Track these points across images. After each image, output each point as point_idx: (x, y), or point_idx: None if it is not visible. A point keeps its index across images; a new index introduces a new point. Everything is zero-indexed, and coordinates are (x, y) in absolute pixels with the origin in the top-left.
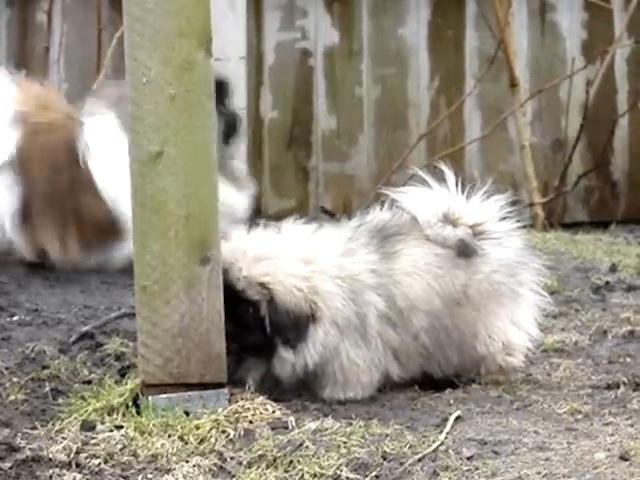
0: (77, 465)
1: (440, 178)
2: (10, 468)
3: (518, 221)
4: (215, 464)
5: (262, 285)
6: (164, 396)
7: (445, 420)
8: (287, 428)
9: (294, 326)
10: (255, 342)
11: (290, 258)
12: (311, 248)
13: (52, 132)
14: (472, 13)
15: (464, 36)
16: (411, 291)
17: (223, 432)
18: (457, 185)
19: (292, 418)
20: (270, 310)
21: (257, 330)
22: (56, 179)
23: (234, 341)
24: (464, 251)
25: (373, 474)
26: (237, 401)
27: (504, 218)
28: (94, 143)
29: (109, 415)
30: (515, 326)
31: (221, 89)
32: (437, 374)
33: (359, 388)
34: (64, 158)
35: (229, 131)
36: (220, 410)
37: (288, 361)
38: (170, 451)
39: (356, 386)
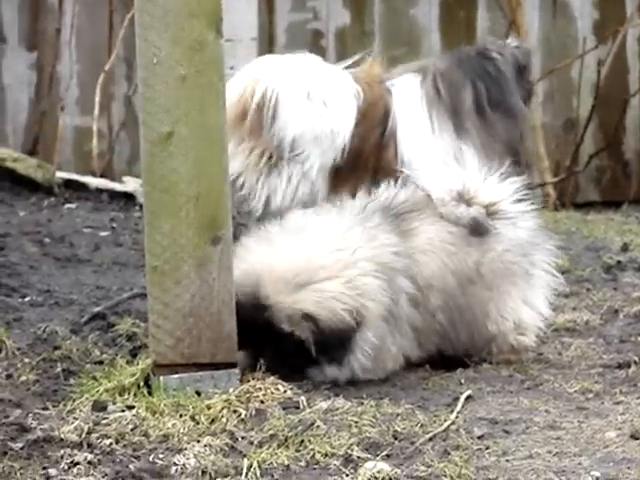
0: (88, 445)
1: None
2: (22, 448)
3: (532, 202)
4: (226, 444)
5: (306, 316)
6: (175, 376)
7: (456, 399)
8: (298, 408)
9: (339, 344)
10: (299, 366)
11: (327, 271)
12: (337, 244)
13: (374, 107)
14: None
15: (476, 16)
16: (427, 270)
17: (234, 412)
18: (474, 164)
19: (303, 398)
20: (315, 338)
21: (301, 357)
22: (367, 140)
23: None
24: (477, 230)
25: (384, 453)
26: (248, 381)
27: (519, 199)
28: (399, 106)
29: (120, 395)
30: (527, 306)
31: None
32: (449, 352)
33: (381, 373)
34: (377, 123)
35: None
36: (231, 390)
37: (334, 376)
38: (181, 431)
39: (378, 372)
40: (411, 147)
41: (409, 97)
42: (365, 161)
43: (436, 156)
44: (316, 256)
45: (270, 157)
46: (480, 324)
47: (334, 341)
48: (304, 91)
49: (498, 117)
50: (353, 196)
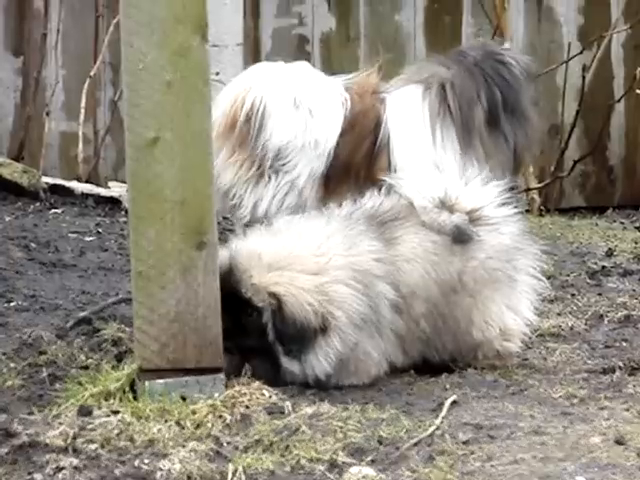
0: (74, 450)
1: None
2: (7, 454)
3: (515, 207)
4: (212, 449)
5: (272, 294)
6: (161, 381)
7: (441, 405)
8: (283, 413)
9: (299, 338)
10: (255, 346)
11: (302, 266)
12: (320, 248)
13: (364, 117)
14: None
15: (461, 22)
16: (411, 278)
17: (220, 417)
18: (455, 170)
19: (288, 403)
20: (275, 319)
21: (258, 335)
22: (357, 149)
23: (234, 342)
24: (460, 238)
25: (369, 458)
26: (234, 386)
27: (502, 204)
28: (393, 116)
29: (106, 400)
30: (512, 311)
31: None
32: (434, 359)
33: (365, 378)
34: (368, 133)
35: None
36: (217, 395)
37: (292, 371)
38: (167, 436)
39: (363, 377)
40: (405, 158)
41: (407, 108)
42: (356, 171)
43: (431, 168)
44: (295, 255)
45: (258, 167)
46: (464, 332)
47: (292, 331)
48: (291, 100)
49: (511, 124)
50: (341, 205)
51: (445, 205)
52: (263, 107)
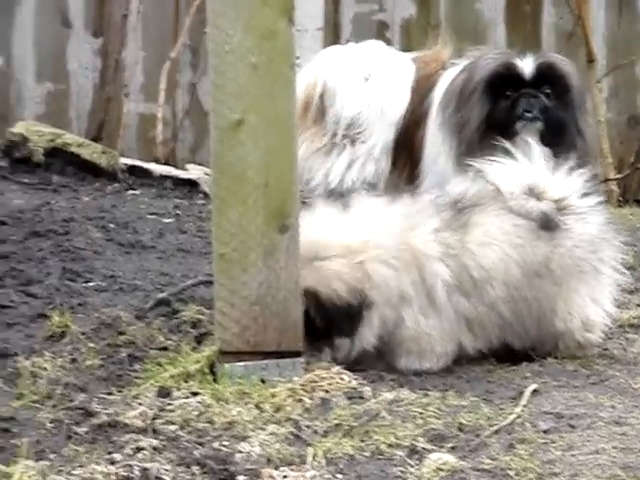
0: (153, 431)
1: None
2: (86, 433)
3: (599, 196)
4: (291, 432)
5: (307, 292)
6: (240, 364)
7: (521, 393)
8: (363, 398)
9: (346, 319)
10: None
11: (340, 250)
12: (369, 228)
13: (425, 83)
14: None
15: (541, 11)
16: (486, 261)
17: (299, 401)
18: (543, 159)
19: (368, 388)
20: (319, 312)
21: (311, 328)
22: (413, 116)
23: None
24: (547, 225)
25: (449, 445)
26: (313, 370)
27: (586, 193)
28: (441, 86)
29: (185, 382)
30: (594, 304)
31: None
32: (516, 345)
33: (434, 358)
34: (424, 100)
35: None
36: (296, 379)
37: (344, 348)
38: (246, 419)
39: (431, 356)
40: (431, 131)
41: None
42: (411, 136)
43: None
44: (337, 235)
45: (332, 137)
46: (547, 320)
47: (337, 316)
48: (360, 74)
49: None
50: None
51: (533, 193)
52: (334, 84)
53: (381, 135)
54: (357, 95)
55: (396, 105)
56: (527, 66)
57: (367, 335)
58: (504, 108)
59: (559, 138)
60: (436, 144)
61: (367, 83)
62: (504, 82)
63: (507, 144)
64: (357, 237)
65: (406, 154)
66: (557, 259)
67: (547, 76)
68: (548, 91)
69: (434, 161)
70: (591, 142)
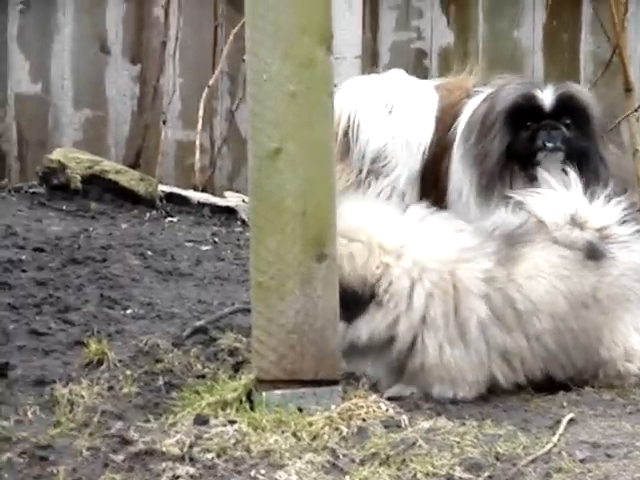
0: (190, 459)
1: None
2: (123, 461)
3: (638, 224)
4: (328, 461)
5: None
6: (278, 392)
7: (558, 422)
8: (400, 427)
9: (350, 303)
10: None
11: (369, 240)
12: (416, 241)
13: (450, 111)
14: (588, 17)
15: (579, 39)
16: (533, 294)
17: (336, 429)
18: (580, 188)
19: (405, 417)
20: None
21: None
22: (440, 144)
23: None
24: (593, 254)
25: (486, 474)
26: (350, 398)
27: (625, 221)
28: (466, 114)
29: (222, 410)
30: (637, 333)
31: None
32: (559, 377)
33: (466, 387)
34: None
35: None
36: (333, 407)
37: (340, 331)
38: (283, 447)
39: (463, 384)
40: (455, 162)
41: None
42: (437, 167)
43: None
44: (378, 229)
45: (358, 174)
46: (593, 349)
47: (348, 297)
48: (383, 105)
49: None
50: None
51: (576, 222)
52: (358, 118)
53: (406, 166)
54: (381, 128)
55: (421, 135)
56: (547, 97)
57: (361, 330)
58: (525, 139)
59: (581, 168)
60: (459, 175)
61: (390, 115)
62: (524, 114)
63: (546, 174)
64: (396, 240)
65: (432, 185)
66: (604, 288)
67: (567, 107)
68: (568, 122)
69: (459, 192)
70: (614, 171)
